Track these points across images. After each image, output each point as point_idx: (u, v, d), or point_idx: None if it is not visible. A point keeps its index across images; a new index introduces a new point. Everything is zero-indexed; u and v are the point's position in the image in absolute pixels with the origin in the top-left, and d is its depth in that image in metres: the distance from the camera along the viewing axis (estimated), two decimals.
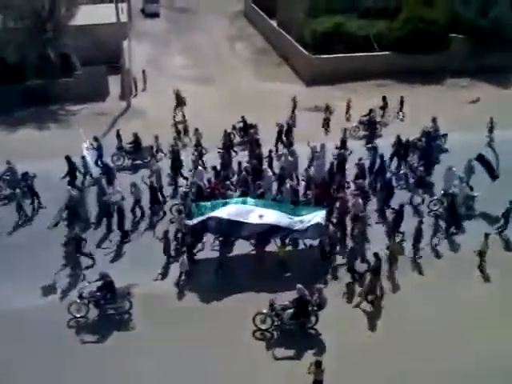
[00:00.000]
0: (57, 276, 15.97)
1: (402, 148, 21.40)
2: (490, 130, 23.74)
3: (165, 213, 18.78)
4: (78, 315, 14.22)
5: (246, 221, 15.97)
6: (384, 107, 26.23)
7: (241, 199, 17.18)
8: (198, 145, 22.16)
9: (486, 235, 16.14)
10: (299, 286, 13.76)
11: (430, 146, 21.79)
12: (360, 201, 17.71)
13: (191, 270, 15.79)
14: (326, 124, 25.71)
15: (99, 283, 14.27)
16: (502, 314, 14.56)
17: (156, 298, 15.04)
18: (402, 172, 21.12)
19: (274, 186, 19.51)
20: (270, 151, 21.36)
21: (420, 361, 13.18)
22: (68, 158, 19.90)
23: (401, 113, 26.65)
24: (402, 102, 26.57)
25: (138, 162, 22.31)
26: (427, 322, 14.33)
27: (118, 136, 22.64)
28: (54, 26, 30.03)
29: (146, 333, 13.96)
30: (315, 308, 13.72)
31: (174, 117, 26.32)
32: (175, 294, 15.38)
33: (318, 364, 11.95)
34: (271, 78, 33.50)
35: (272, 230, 16.15)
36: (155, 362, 13.18)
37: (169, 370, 13.00)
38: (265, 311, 13.78)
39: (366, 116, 25.05)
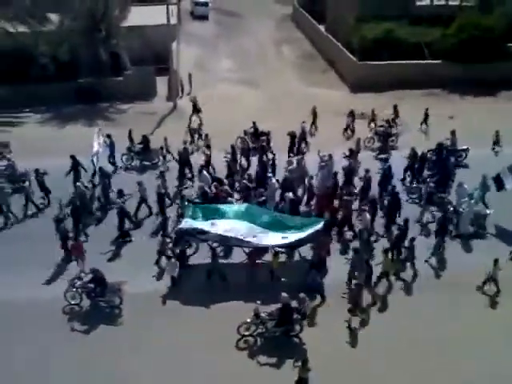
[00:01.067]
0: (58, 268, 16.72)
1: (417, 161, 20.73)
2: (495, 142, 23.22)
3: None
4: (73, 302, 15.07)
5: (237, 237, 15.86)
6: (395, 117, 25.23)
7: (238, 206, 17.11)
8: (207, 149, 21.99)
9: (496, 261, 15.40)
10: (284, 294, 13.76)
11: (447, 160, 20.94)
12: (368, 216, 17.31)
13: (179, 275, 15.89)
14: (351, 130, 25.42)
15: (91, 276, 14.94)
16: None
17: (145, 298, 15.31)
18: (414, 186, 20.26)
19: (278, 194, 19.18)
20: (274, 159, 21.12)
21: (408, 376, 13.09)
22: (73, 157, 20.28)
23: (424, 125, 25.67)
24: (426, 114, 25.53)
25: (147, 163, 22.73)
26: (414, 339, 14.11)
27: (130, 136, 22.97)
28: (107, 26, 30.83)
29: (131, 329, 14.44)
30: (300, 317, 13.77)
31: (189, 124, 26.03)
32: (163, 295, 15.61)
33: (305, 363, 12.15)
34: (316, 83, 33.28)
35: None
36: (138, 358, 13.55)
37: (150, 367, 13.38)
38: (249, 320, 13.79)
39: (382, 127, 24.39)
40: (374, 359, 13.55)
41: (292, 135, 22.88)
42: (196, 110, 26.78)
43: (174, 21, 33.10)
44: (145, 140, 22.72)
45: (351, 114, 25.63)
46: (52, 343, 13.99)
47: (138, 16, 33.58)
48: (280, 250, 16.16)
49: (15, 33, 30.15)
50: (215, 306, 15.23)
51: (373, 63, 31.67)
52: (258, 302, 14.14)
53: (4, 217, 18.92)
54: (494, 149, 23.44)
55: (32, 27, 30.11)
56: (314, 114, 25.81)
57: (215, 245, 16.68)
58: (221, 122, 25.68)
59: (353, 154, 21.25)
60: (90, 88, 29.60)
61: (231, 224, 16.17)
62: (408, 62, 31.62)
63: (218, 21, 48.64)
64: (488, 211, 18.60)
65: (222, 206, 17.07)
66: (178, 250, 16.51)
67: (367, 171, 19.48)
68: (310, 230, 15.80)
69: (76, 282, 14.97)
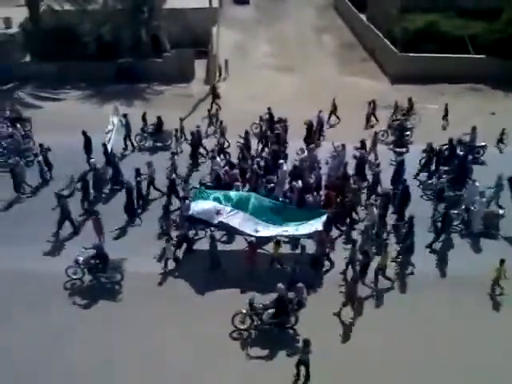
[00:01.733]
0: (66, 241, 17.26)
1: (433, 156, 20.28)
2: (500, 141, 22.86)
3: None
4: (74, 277, 15.34)
5: (240, 229, 16.00)
6: (409, 110, 24.76)
7: (246, 196, 16.90)
8: (221, 136, 22.13)
9: (502, 261, 14.91)
10: (280, 285, 13.50)
11: (465, 157, 20.29)
12: (375, 210, 17.03)
13: (181, 259, 16.10)
14: (376, 120, 25.06)
15: (94, 252, 15.15)
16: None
17: (143, 277, 15.41)
18: (429, 182, 19.81)
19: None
20: (285, 146, 21.17)
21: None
22: (84, 133, 20.90)
23: (445, 120, 25.01)
24: (446, 110, 24.91)
25: (159, 144, 23.02)
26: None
27: (144, 118, 23.30)
28: (149, 8, 31.10)
29: (130, 306, 14.64)
30: (295, 307, 13.52)
31: (210, 108, 25.83)
32: (160, 276, 15.67)
33: (306, 344, 11.98)
34: (355, 72, 32.85)
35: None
36: (131, 334, 13.77)
37: (139, 342, 13.54)
38: (244, 311, 13.53)
39: (396, 121, 23.87)
40: (369, 352, 13.29)
41: (309, 124, 22.74)
42: (215, 95, 26.90)
43: (215, 4, 33.26)
44: (159, 121, 23.02)
45: (372, 103, 25.22)
46: (55, 315, 14.45)
47: None
48: (282, 239, 16.14)
49: (61, 11, 30.85)
50: (211, 292, 15.08)
51: (414, 55, 31.00)
52: (255, 292, 14.12)
53: (19, 191, 19.53)
54: (498, 146, 23.04)
55: (77, 5, 30.72)
56: (334, 106, 25.37)
57: (214, 230, 16.65)
58: (254, 107, 25.54)
59: (364, 146, 20.83)
60: (130, 68, 30.07)
61: (235, 215, 16.22)
62: (451, 55, 30.81)
63: (259, 6, 48.48)
64: (501, 211, 18.05)
65: (231, 194, 16.96)
66: (180, 234, 16.49)
67: (377, 165, 19.25)
68: (312, 223, 15.83)
69: (79, 257, 15.14)
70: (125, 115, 22.56)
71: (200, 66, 31.50)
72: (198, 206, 16.38)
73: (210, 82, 30.08)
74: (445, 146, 20.99)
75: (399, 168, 19.38)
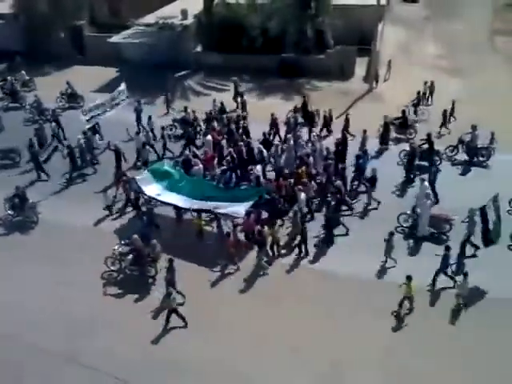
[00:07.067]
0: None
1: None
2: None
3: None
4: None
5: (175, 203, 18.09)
6: (417, 103, 24.87)
7: (192, 182, 18.76)
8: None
9: (408, 278, 14.15)
10: (135, 236, 15.82)
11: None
12: (302, 195, 17.77)
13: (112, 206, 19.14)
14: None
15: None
16: None
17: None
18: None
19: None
20: (269, 134, 22.19)
21: None
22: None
23: (451, 117, 24.22)
24: (452, 107, 24.04)
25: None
26: None
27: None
28: (317, 4, 31.15)
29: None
30: (151, 259, 15.74)
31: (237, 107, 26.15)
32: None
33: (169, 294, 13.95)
34: None
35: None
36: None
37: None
38: (114, 254, 15.96)
39: (399, 119, 23.51)
40: None
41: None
42: (236, 92, 26.86)
43: (383, 2, 32.16)
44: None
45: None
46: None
47: None
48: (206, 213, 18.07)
49: (233, 4, 32.33)
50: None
51: None
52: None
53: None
54: None
55: None
56: (347, 121, 23.01)
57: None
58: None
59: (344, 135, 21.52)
60: (293, 63, 30.50)
61: (174, 198, 18.08)
62: None
63: (429, 4, 45.83)
64: (455, 217, 16.99)
65: (178, 177, 18.78)
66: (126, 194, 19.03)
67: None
68: (245, 205, 17.12)
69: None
70: (138, 102, 24.92)
71: (361, 64, 30.84)
72: (146, 179, 18.55)
73: (369, 80, 29.31)
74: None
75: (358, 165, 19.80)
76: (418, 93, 25.82)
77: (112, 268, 16.25)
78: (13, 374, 13.33)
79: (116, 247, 16.23)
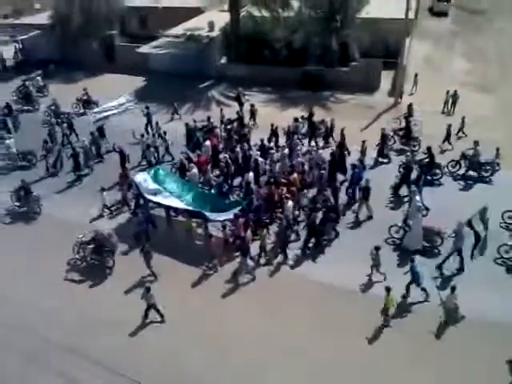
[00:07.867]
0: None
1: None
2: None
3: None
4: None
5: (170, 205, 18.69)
6: (408, 116, 24.07)
7: (188, 188, 19.21)
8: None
9: (387, 289, 14.13)
10: (99, 229, 17.09)
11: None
12: (290, 203, 17.81)
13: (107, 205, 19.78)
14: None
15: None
16: None
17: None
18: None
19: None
20: (263, 140, 22.38)
21: None
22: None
23: (460, 132, 24.07)
24: (463, 121, 23.93)
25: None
26: None
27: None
28: (343, 17, 31.05)
29: None
30: (109, 250, 16.77)
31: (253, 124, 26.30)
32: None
33: (148, 290, 14.40)
34: None
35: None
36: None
37: None
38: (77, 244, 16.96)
39: (402, 130, 23.58)
40: None
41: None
42: (240, 103, 27.49)
43: (411, 15, 31.87)
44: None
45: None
46: None
47: (375, 8, 33.13)
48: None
49: (259, 17, 32.56)
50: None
51: None
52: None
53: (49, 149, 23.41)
54: None
55: (274, 12, 32.07)
56: (342, 135, 22.25)
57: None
58: (433, 124, 24.30)
59: (341, 148, 21.33)
60: (316, 75, 30.41)
61: (167, 200, 18.70)
62: None
63: (458, 18, 45.32)
64: (448, 231, 16.37)
65: (173, 181, 19.42)
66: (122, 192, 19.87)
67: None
68: (228, 213, 17.62)
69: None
70: (147, 107, 25.91)
71: (386, 77, 30.55)
72: (146, 181, 18.95)
73: (394, 94, 28.97)
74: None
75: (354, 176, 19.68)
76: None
77: (76, 256, 17.25)
78: None
79: (80, 236, 17.17)
